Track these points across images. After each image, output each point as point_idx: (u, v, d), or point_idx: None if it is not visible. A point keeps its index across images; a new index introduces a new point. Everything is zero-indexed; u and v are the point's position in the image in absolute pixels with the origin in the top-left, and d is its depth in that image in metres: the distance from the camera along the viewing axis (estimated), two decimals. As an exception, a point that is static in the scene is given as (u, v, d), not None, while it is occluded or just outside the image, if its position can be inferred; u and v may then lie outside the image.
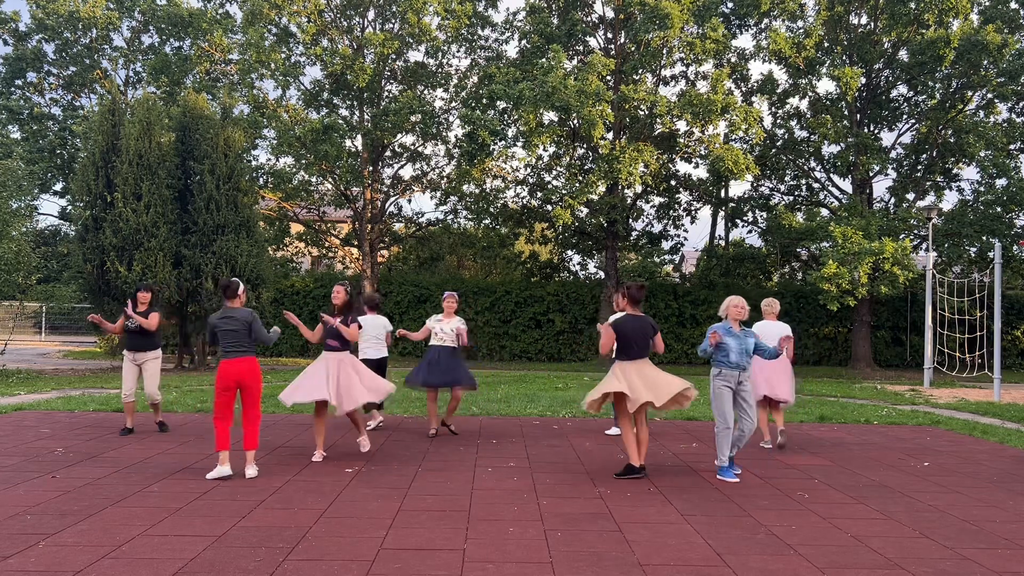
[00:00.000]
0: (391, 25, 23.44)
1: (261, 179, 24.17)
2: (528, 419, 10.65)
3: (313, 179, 24.63)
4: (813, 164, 25.01)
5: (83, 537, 4.93)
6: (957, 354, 20.54)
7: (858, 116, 23.23)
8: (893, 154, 23.76)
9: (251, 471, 6.69)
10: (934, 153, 22.96)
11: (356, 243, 25.12)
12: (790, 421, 10.83)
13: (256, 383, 6.77)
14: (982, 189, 22.64)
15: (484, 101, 22.34)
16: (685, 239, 26.00)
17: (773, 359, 7.29)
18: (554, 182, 23.89)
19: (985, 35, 20.23)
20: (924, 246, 22.42)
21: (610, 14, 23.11)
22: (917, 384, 18.08)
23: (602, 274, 25.62)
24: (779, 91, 24.07)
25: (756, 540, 5.13)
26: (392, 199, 25.85)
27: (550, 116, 21.84)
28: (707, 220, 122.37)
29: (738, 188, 56.75)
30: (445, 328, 8.96)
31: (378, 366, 9.25)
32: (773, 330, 8.52)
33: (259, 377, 6.81)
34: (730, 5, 22.61)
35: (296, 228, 26.71)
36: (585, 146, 23.69)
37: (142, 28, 29.37)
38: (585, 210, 23.20)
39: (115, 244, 16.52)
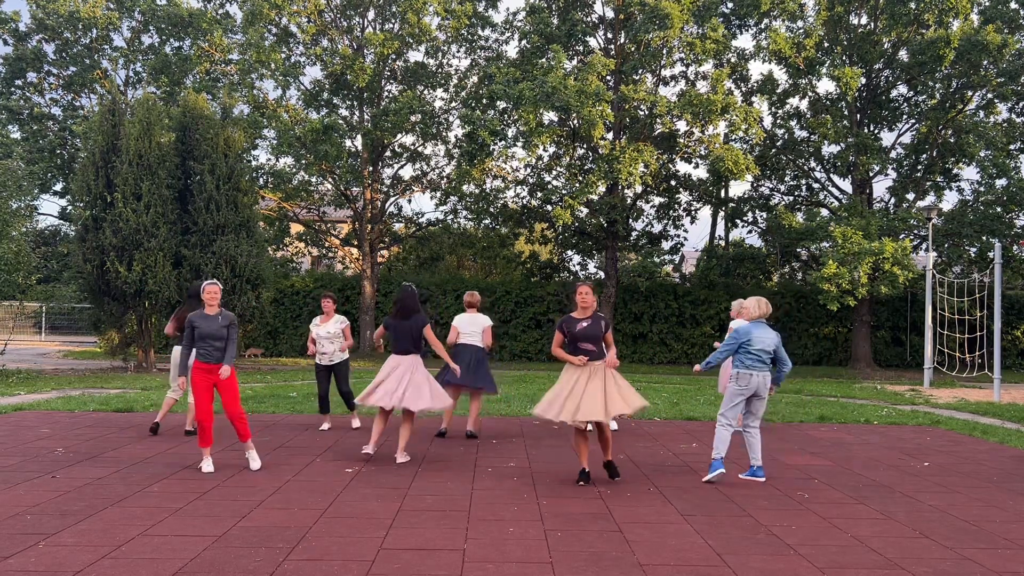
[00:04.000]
0: (391, 25, 23.45)
1: (261, 179, 24.17)
2: (528, 419, 10.65)
3: (313, 179, 24.64)
4: (813, 164, 25.01)
5: (83, 537, 4.93)
6: (957, 354, 20.55)
7: (858, 116, 23.23)
8: (893, 154, 23.78)
9: (253, 459, 7.11)
10: (934, 153, 22.95)
11: (356, 243, 25.12)
12: (790, 421, 10.82)
13: (232, 383, 6.98)
14: (982, 189, 22.64)
15: (484, 101, 22.33)
16: (685, 239, 26.03)
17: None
18: (554, 182, 23.90)
19: (985, 35, 20.23)
20: (924, 246, 22.43)
21: (610, 14, 23.12)
22: (917, 384, 18.08)
23: (602, 274, 25.61)
24: (779, 91, 24.06)
25: (756, 540, 5.13)
26: (392, 199, 25.86)
27: (550, 116, 21.84)
28: (707, 220, 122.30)
29: (738, 188, 56.70)
30: (473, 328, 8.88)
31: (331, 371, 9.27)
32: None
33: (234, 377, 7.03)
34: (730, 5, 22.63)
35: (296, 228, 26.71)
36: (585, 146, 23.70)
37: (142, 28, 29.36)
38: (585, 210, 23.21)
39: (115, 244, 16.51)
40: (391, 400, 7.24)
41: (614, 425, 9.19)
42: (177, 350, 8.77)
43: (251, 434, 7.12)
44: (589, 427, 6.70)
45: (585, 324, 6.56)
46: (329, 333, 9.11)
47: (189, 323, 6.97)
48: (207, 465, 6.95)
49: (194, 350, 6.94)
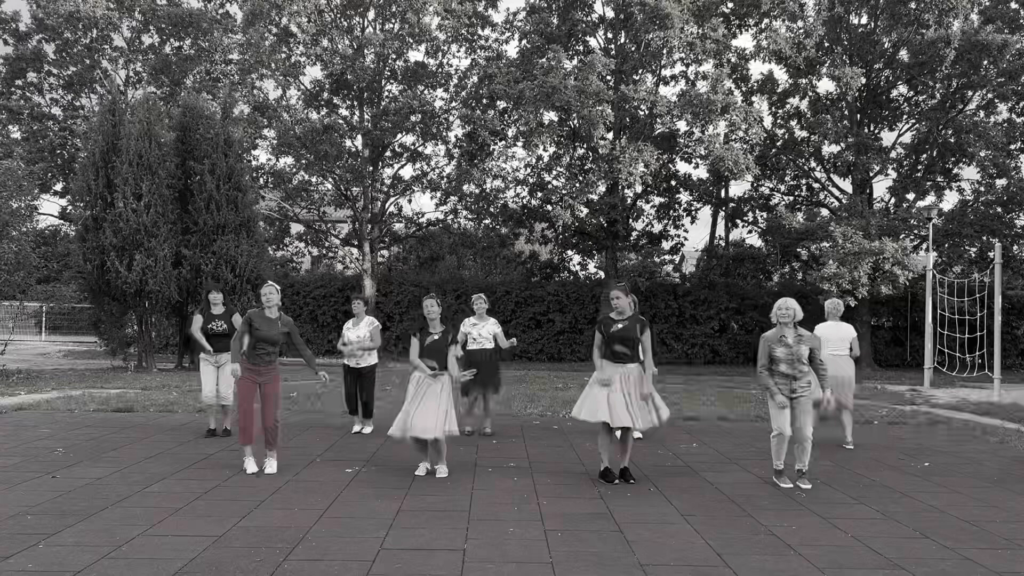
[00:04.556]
0: (391, 25, 23.43)
1: (261, 179, 24.16)
2: (528, 419, 10.65)
3: (313, 179, 24.63)
4: (813, 164, 25.01)
5: (83, 537, 4.93)
6: (957, 354, 20.54)
7: (858, 116, 23.23)
8: (893, 154, 23.78)
9: (270, 465, 7.04)
10: (934, 153, 22.95)
11: (356, 243, 25.12)
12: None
13: (275, 390, 7.00)
14: (982, 189, 22.63)
15: (484, 101, 22.32)
16: (685, 239, 26.02)
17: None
18: (554, 182, 23.90)
19: (985, 35, 20.24)
20: (924, 246, 22.44)
21: (610, 14, 23.11)
22: (917, 384, 18.07)
23: (602, 274, 25.60)
24: (779, 91, 24.04)
25: (756, 540, 5.13)
26: (392, 199, 25.85)
27: (550, 116, 21.83)
28: (707, 220, 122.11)
29: (738, 188, 56.75)
30: (483, 332, 8.92)
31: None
32: (836, 332, 8.64)
33: (278, 384, 7.02)
34: (730, 5, 22.62)
35: (296, 228, 26.72)
36: (585, 146, 23.70)
37: (142, 28, 29.36)
38: (585, 210, 23.22)
39: (115, 244, 16.51)
40: (427, 433, 6.73)
41: (638, 434, 9.10)
42: (204, 362, 8.74)
43: (277, 444, 7.11)
44: (618, 433, 6.73)
45: (621, 326, 6.64)
46: (360, 337, 9.01)
47: (248, 320, 6.90)
48: (250, 466, 6.93)
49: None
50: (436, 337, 6.89)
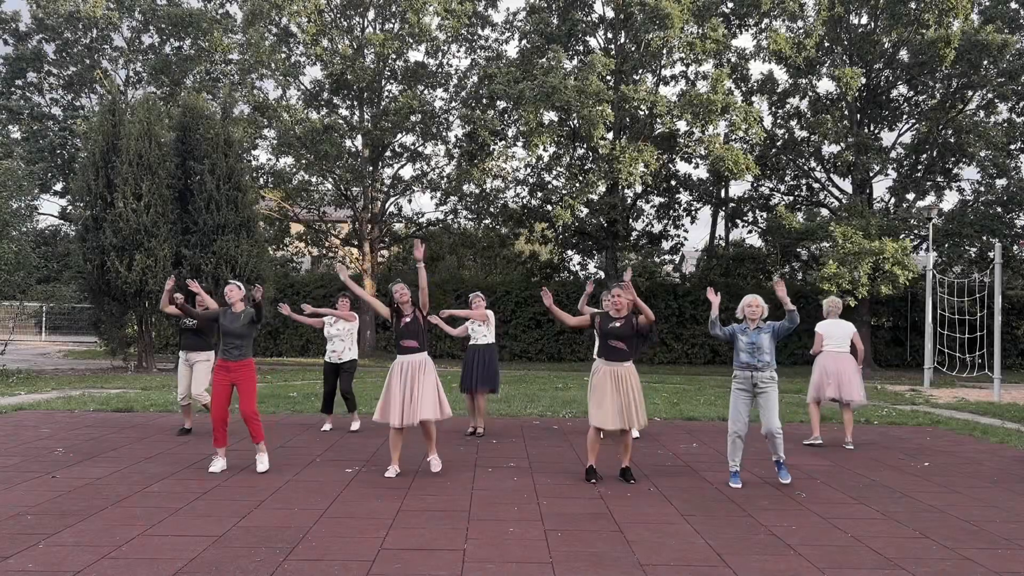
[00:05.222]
0: (391, 25, 23.44)
1: (261, 179, 24.17)
2: (528, 419, 10.65)
3: (313, 179, 24.63)
4: (813, 164, 25.01)
5: (83, 537, 4.93)
6: (957, 354, 20.54)
7: (858, 116, 23.23)
8: (893, 154, 23.78)
9: (262, 461, 7.01)
10: (934, 153, 22.94)
11: (356, 243, 25.12)
12: (790, 421, 10.80)
13: (251, 383, 6.94)
14: (982, 189, 22.63)
15: (484, 101, 22.33)
16: (685, 239, 26.04)
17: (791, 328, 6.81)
18: (554, 182, 23.90)
19: (985, 35, 20.24)
20: (924, 246, 22.44)
21: (610, 14, 23.12)
22: (917, 384, 18.07)
23: (602, 274, 25.60)
24: (779, 91, 24.05)
25: (756, 540, 5.13)
26: (392, 199, 25.85)
27: (550, 116, 21.83)
28: (707, 220, 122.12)
29: (738, 188, 56.64)
30: (478, 328, 9.05)
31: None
32: (838, 330, 8.78)
33: (252, 377, 6.97)
34: (730, 5, 22.62)
35: (296, 228, 26.71)
36: (585, 146, 23.70)
37: (142, 28, 29.36)
38: (585, 210, 23.21)
39: (115, 244, 16.51)
40: (404, 419, 6.77)
41: (636, 433, 9.11)
42: (180, 361, 8.82)
43: (264, 436, 7.08)
44: (601, 435, 6.74)
45: (618, 324, 6.74)
46: (340, 331, 9.25)
47: (218, 313, 7.09)
48: (217, 465, 6.90)
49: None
50: (408, 320, 6.96)
